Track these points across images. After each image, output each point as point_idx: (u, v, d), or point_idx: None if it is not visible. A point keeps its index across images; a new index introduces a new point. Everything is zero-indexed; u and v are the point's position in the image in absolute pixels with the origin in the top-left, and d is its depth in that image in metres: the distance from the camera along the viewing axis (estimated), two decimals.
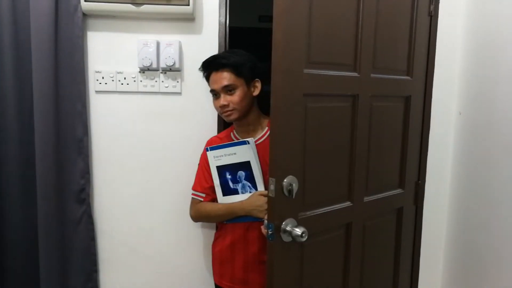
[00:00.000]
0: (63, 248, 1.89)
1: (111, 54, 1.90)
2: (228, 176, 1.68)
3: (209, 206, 1.74)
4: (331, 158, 1.53)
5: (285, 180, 1.34)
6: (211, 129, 1.94)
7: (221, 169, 1.68)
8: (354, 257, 1.64)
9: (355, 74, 1.54)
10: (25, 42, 1.79)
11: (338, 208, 1.56)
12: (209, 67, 1.68)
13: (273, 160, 1.34)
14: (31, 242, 1.89)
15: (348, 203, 1.60)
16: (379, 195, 1.72)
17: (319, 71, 1.42)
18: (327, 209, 1.52)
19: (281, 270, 1.40)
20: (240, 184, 1.67)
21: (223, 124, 1.92)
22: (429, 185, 1.93)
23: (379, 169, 1.71)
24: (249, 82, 1.67)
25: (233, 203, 1.68)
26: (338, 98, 1.53)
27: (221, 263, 1.77)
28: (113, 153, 1.95)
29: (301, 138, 1.40)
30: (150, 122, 1.94)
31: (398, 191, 1.81)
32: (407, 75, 1.77)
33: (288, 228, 1.35)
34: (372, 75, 1.60)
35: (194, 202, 1.78)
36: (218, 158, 1.67)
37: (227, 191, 1.70)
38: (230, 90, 1.63)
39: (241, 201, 1.66)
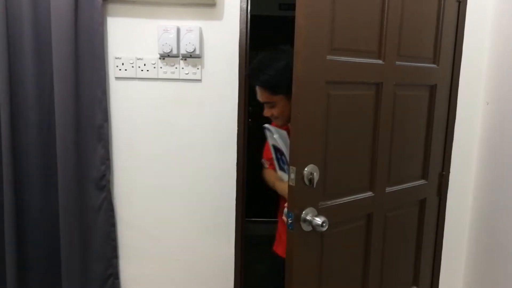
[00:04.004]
0: (84, 235, 1.91)
1: (131, 40, 1.89)
2: (279, 156, 1.67)
3: (267, 175, 1.82)
4: (353, 148, 1.49)
5: (306, 169, 1.31)
6: (231, 116, 1.92)
7: (273, 148, 1.67)
8: (374, 248, 1.62)
9: (380, 61, 1.49)
10: (45, 28, 1.79)
11: (360, 198, 1.53)
12: (249, 79, 1.73)
13: (294, 149, 1.31)
14: (53, 229, 1.91)
15: (369, 193, 1.56)
16: (401, 185, 1.69)
17: (342, 58, 1.37)
18: (348, 199, 1.49)
19: (300, 259, 1.38)
20: (285, 166, 1.65)
21: (243, 112, 1.90)
22: (453, 176, 1.89)
23: (402, 160, 1.67)
24: (289, 95, 1.47)
25: (278, 182, 1.70)
26: (361, 86, 1.47)
27: None
28: (132, 139, 1.95)
29: (322, 127, 1.36)
30: (170, 109, 1.93)
31: (422, 182, 1.77)
32: (433, 63, 1.71)
33: (308, 218, 1.33)
34: (397, 62, 1.54)
35: (264, 168, 1.87)
36: (273, 137, 1.64)
37: (280, 168, 1.68)
38: (270, 106, 1.65)
39: (283, 183, 1.62)
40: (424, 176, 1.78)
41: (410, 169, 1.74)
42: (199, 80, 1.91)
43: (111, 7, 1.87)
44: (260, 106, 1.70)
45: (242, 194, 1.96)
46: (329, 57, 1.33)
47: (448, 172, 1.86)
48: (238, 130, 1.91)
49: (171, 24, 1.84)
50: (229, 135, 1.94)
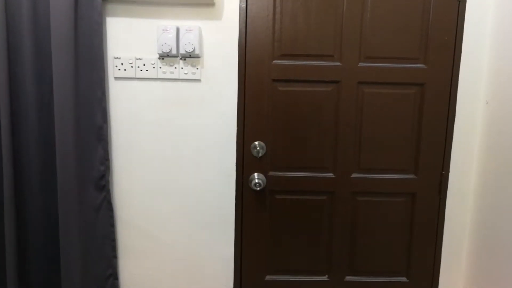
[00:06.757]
0: (83, 235, 1.91)
1: (131, 40, 1.89)
2: None
3: None
4: (308, 134, 1.85)
5: (254, 143, 1.84)
6: (230, 116, 1.92)
7: None
8: (338, 223, 1.92)
9: (337, 63, 1.81)
10: (44, 28, 1.79)
11: (317, 176, 1.89)
12: None
13: (246, 128, 1.82)
14: (52, 229, 1.91)
15: (330, 174, 1.89)
16: (376, 175, 1.89)
17: (289, 61, 1.81)
18: (303, 175, 1.88)
19: (249, 213, 1.89)
20: None
21: (242, 112, 1.90)
22: (454, 175, 1.89)
23: (377, 152, 1.87)
24: None
25: None
26: (316, 83, 1.82)
27: None
28: (132, 139, 1.95)
29: (269, 114, 1.83)
30: (169, 109, 1.93)
31: (409, 176, 1.89)
32: (421, 63, 1.82)
33: (253, 179, 1.84)
34: (360, 64, 1.81)
35: None
36: None
37: None
38: None
39: None
40: (414, 171, 1.89)
41: (392, 163, 1.88)
42: (199, 80, 1.91)
43: (110, 7, 1.86)
44: None
45: (242, 194, 1.96)
46: (275, 61, 1.81)
47: (448, 171, 1.86)
48: (237, 130, 1.90)
49: (170, 24, 1.84)
50: (228, 134, 1.94)
